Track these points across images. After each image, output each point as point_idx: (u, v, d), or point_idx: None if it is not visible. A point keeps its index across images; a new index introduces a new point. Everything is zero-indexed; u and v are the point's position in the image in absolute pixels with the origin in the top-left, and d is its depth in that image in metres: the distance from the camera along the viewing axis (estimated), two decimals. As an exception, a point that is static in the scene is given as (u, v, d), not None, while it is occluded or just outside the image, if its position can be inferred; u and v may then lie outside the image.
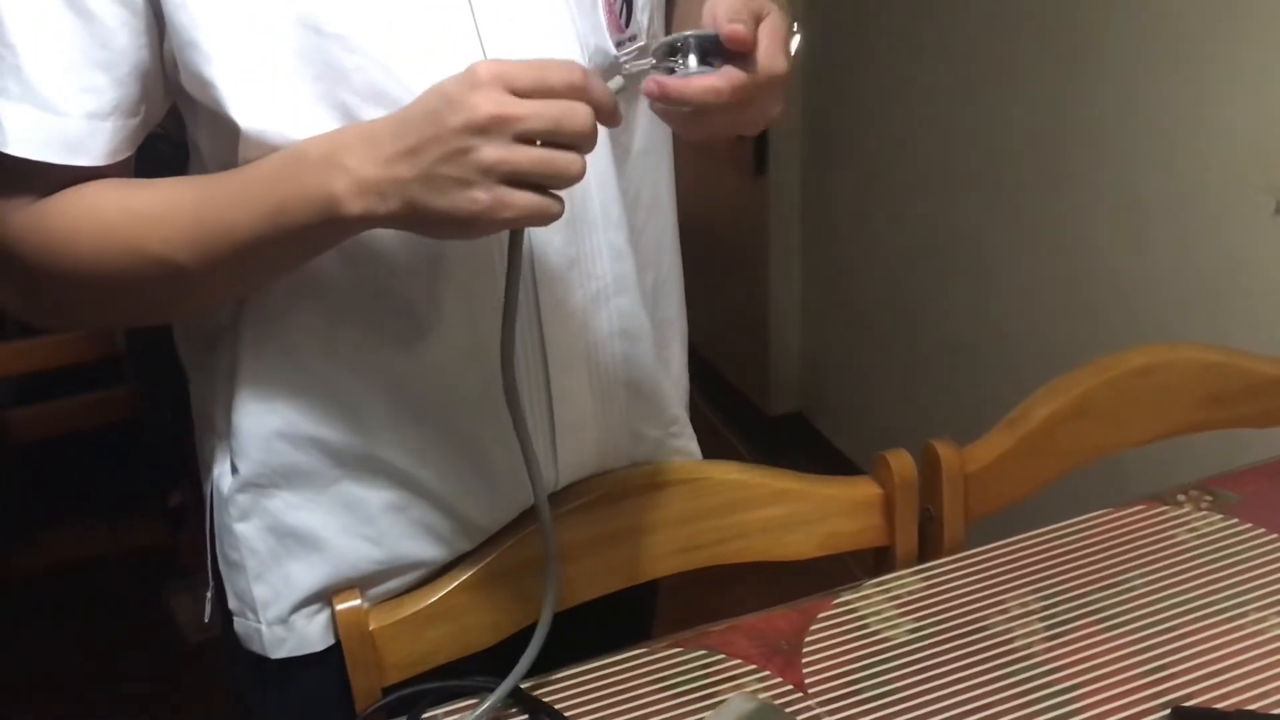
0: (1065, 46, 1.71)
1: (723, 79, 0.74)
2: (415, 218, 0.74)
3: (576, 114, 0.71)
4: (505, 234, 0.81)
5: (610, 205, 0.91)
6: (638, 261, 0.95)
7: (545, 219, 0.73)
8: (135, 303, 0.86)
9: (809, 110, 2.44)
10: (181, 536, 1.94)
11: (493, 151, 0.70)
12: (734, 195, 2.65)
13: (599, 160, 0.89)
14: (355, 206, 0.74)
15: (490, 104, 0.69)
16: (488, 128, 0.70)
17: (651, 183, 0.97)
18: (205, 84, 0.78)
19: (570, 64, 0.73)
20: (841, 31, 2.28)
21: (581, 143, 0.72)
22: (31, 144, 0.77)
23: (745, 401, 2.78)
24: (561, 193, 0.74)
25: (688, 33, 0.75)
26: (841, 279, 2.46)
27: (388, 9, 0.78)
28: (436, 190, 0.71)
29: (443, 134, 0.70)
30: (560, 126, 0.71)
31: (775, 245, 2.57)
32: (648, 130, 0.94)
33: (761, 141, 2.48)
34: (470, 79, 0.70)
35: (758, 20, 0.76)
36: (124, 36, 0.77)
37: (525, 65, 0.71)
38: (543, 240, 0.87)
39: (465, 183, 0.70)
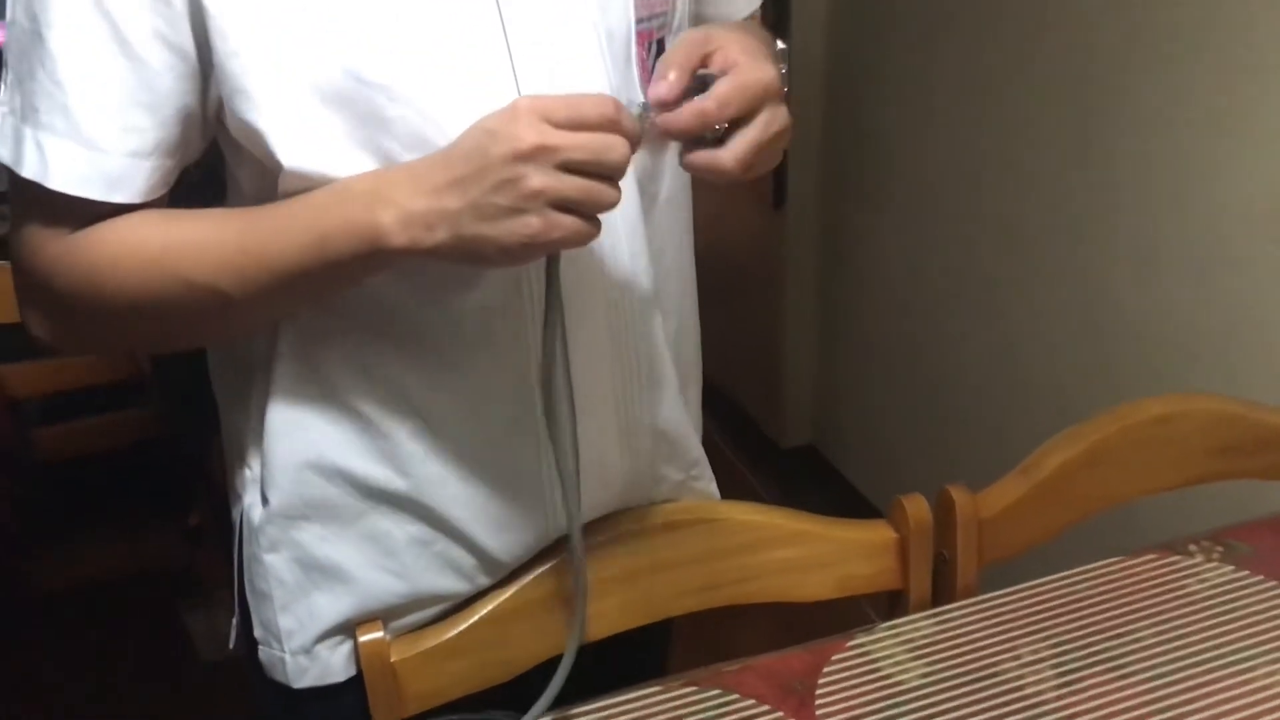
0: (1084, 91, 1.73)
1: (708, 99, 0.79)
2: (463, 247, 0.77)
3: (614, 147, 0.76)
4: (537, 268, 0.85)
5: (639, 254, 0.93)
6: (662, 308, 0.97)
7: (587, 240, 0.78)
8: (173, 328, 0.88)
9: (826, 145, 2.46)
10: (199, 556, 1.95)
11: (540, 178, 0.74)
12: (752, 228, 2.68)
13: (629, 210, 0.91)
14: (401, 238, 0.78)
15: (534, 134, 0.74)
16: (533, 156, 0.74)
17: (675, 231, 0.99)
18: (252, 130, 0.81)
19: (603, 98, 0.77)
20: (859, 67, 2.31)
21: (618, 171, 0.76)
22: (73, 179, 0.80)
23: (758, 433, 2.79)
24: (598, 246, 0.80)
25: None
26: (857, 314, 2.48)
27: (429, 61, 0.81)
28: (487, 219, 0.75)
29: (490, 164, 0.74)
30: (599, 158, 0.75)
31: (791, 278, 2.58)
32: (672, 180, 0.97)
33: (780, 175, 2.50)
34: (512, 113, 0.75)
35: (704, 59, 0.81)
36: (170, 80, 0.80)
37: (562, 100, 0.76)
38: (572, 286, 0.89)
39: (516, 210, 0.74)
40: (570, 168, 0.74)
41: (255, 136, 0.81)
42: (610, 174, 0.76)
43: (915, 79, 2.14)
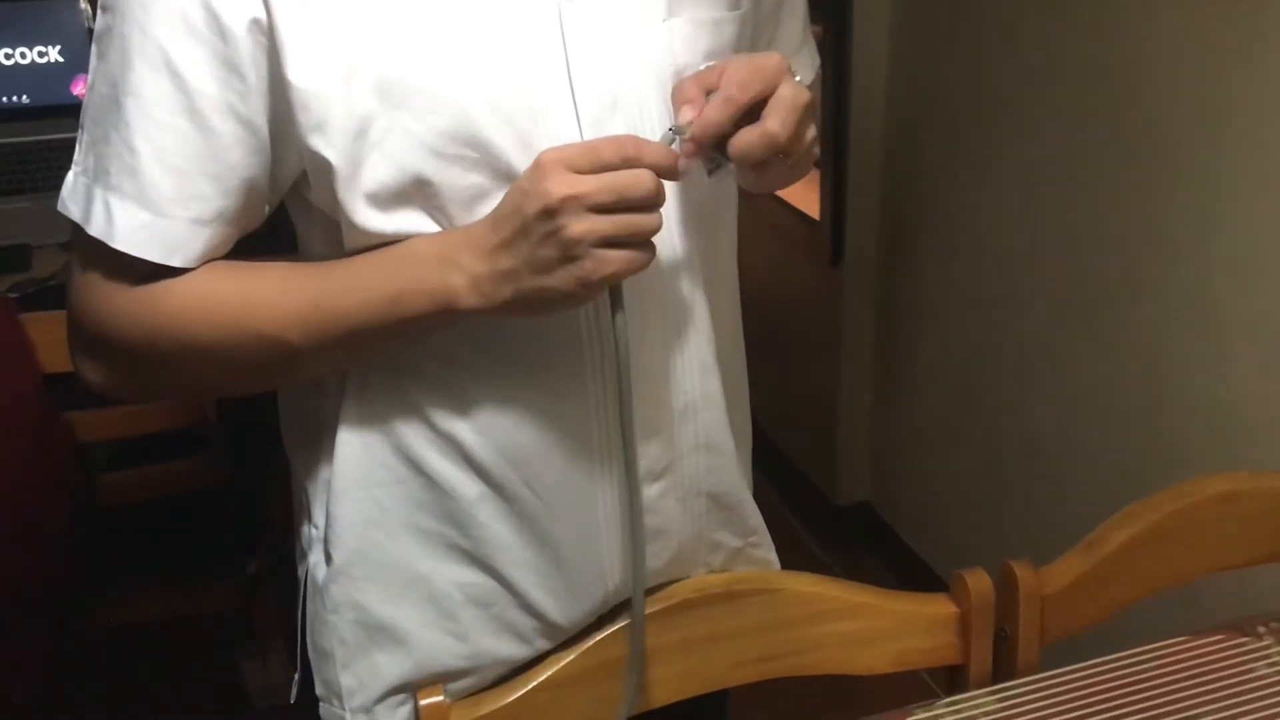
0: (1146, 153, 1.72)
1: (727, 88, 0.82)
2: (526, 301, 0.81)
3: (639, 181, 0.79)
4: (596, 332, 0.88)
5: (701, 320, 0.94)
6: (721, 374, 0.98)
7: (643, 265, 0.82)
8: (237, 377, 0.91)
9: (886, 203, 2.46)
10: (256, 604, 1.97)
11: (577, 225, 0.78)
12: (809, 284, 2.68)
13: (693, 277, 0.92)
14: (471, 300, 0.82)
15: (560, 186, 0.77)
16: (563, 207, 0.77)
17: (723, 290, 1.01)
18: (337, 203, 0.84)
19: (620, 138, 0.81)
20: (920, 126, 2.31)
21: (650, 202, 0.80)
22: (136, 241, 0.83)
23: (813, 489, 2.78)
24: (658, 308, 0.86)
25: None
26: (915, 373, 2.47)
27: (506, 129, 0.83)
28: (543, 272, 0.79)
29: (529, 222, 0.79)
30: (625, 195, 0.79)
31: (848, 336, 2.58)
32: (728, 242, 0.99)
33: (838, 233, 2.51)
34: (537, 170, 0.79)
35: (708, 84, 0.84)
36: (238, 153, 0.83)
37: (582, 147, 0.80)
38: (638, 354, 0.91)
39: (566, 258, 0.79)
40: (602, 209, 0.78)
41: (338, 207, 0.84)
42: (643, 205, 0.80)
43: (974, 140, 2.14)
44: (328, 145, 0.82)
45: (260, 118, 0.82)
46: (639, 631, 0.94)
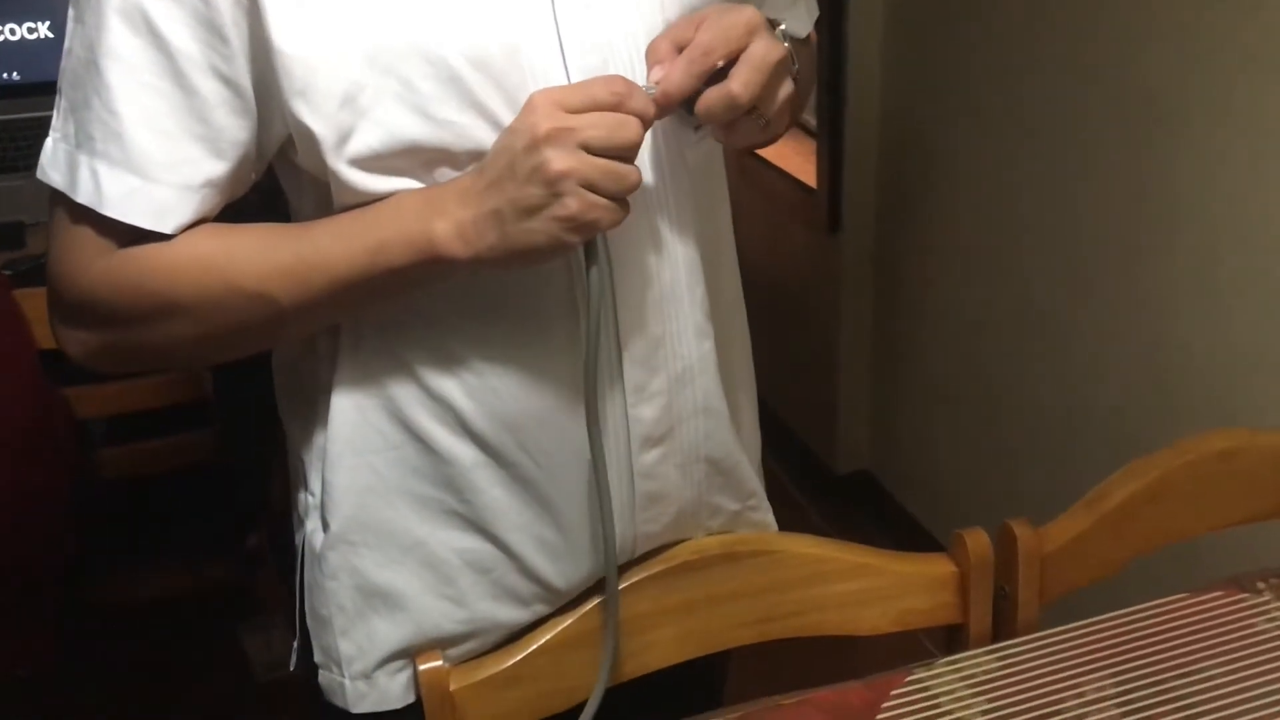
0: (1144, 117, 1.71)
1: (692, 48, 0.81)
2: (509, 247, 0.80)
3: (627, 125, 0.79)
4: (587, 293, 0.86)
5: (695, 284, 0.93)
6: (717, 339, 0.97)
7: (619, 220, 0.81)
8: (222, 338, 0.89)
9: (884, 169, 2.45)
10: (257, 577, 1.98)
11: (563, 158, 0.77)
12: (807, 253, 2.67)
13: (686, 241, 0.92)
14: (454, 247, 0.81)
15: (548, 120, 0.77)
16: (551, 138, 0.77)
17: (718, 255, 1.00)
18: (326, 168, 0.83)
19: (612, 77, 0.80)
20: (916, 94, 2.30)
21: (633, 149, 0.80)
22: (124, 206, 0.82)
23: (813, 458, 2.78)
24: (650, 272, 0.84)
25: None
26: (913, 339, 2.46)
27: (496, 91, 0.82)
28: (528, 212, 0.79)
29: (516, 158, 0.78)
30: (614, 134, 0.78)
31: (846, 303, 2.57)
32: (716, 197, 0.98)
33: (835, 200, 2.50)
34: (527, 108, 0.78)
35: (681, 40, 0.83)
36: (224, 115, 0.82)
37: (572, 87, 0.79)
38: (631, 321, 0.90)
39: (551, 195, 0.78)
40: (589, 147, 0.78)
41: (328, 173, 0.83)
42: (626, 152, 0.79)
43: (973, 106, 2.13)
44: (313, 111, 0.81)
45: (244, 80, 0.81)
46: (613, 607, 0.95)
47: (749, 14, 0.83)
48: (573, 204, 0.78)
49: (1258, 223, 1.56)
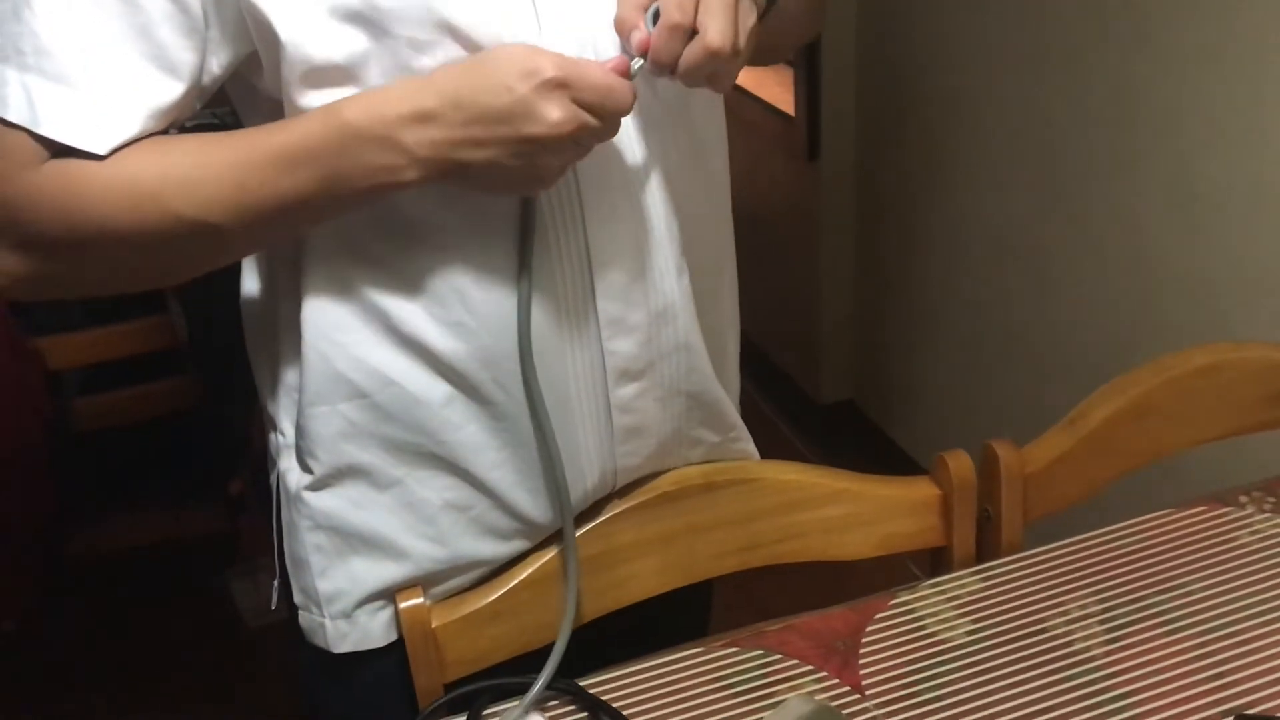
0: (1125, 32, 1.69)
1: (668, 13, 0.79)
2: (469, 177, 0.80)
3: (624, 93, 0.79)
4: (560, 221, 0.86)
5: (671, 221, 0.92)
6: (697, 274, 0.95)
7: (611, 135, 0.81)
8: (160, 261, 0.86)
9: (862, 95, 2.42)
10: (242, 523, 1.97)
11: (559, 110, 0.76)
12: (786, 181, 2.65)
13: (662, 178, 0.90)
14: (413, 174, 0.79)
15: (553, 68, 0.76)
16: (560, 78, 0.77)
17: (707, 194, 0.97)
18: (281, 80, 0.81)
19: (604, 66, 0.80)
20: (896, 16, 2.27)
21: (619, 118, 0.80)
22: (61, 126, 0.78)
23: (796, 389, 2.78)
24: (626, 210, 0.85)
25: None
26: (895, 266, 2.45)
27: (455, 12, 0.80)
28: (497, 143, 0.77)
29: (512, 86, 0.76)
30: (605, 100, 0.78)
31: (827, 231, 2.56)
32: (703, 136, 0.95)
33: (813, 127, 2.47)
34: (527, 48, 0.78)
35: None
36: (168, 32, 0.79)
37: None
38: (608, 256, 0.88)
39: (544, 100, 0.76)
40: (584, 104, 0.77)
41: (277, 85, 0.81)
42: (613, 121, 0.79)
43: (949, 28, 2.10)
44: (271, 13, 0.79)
45: None
46: (572, 555, 0.94)
47: None
48: (560, 115, 0.77)
49: (1236, 134, 1.54)
